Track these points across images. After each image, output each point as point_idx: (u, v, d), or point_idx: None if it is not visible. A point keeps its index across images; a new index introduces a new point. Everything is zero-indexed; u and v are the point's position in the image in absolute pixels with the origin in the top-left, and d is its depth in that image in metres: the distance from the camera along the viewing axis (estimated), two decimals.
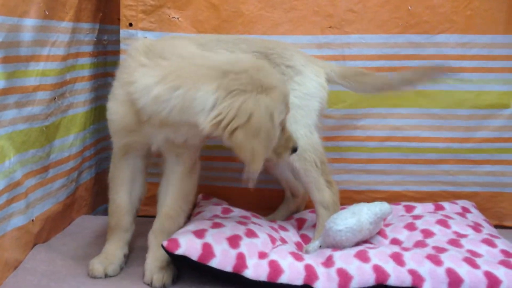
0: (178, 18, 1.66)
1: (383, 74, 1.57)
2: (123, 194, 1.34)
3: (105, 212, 1.81)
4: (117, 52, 1.69)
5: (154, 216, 1.70)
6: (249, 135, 1.05)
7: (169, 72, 1.11)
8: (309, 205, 1.66)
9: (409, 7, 1.61)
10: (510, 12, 1.60)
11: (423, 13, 1.62)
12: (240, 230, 1.26)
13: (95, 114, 1.73)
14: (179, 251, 1.16)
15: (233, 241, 1.21)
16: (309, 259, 1.21)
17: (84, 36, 1.64)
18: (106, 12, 1.76)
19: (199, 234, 1.21)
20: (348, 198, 1.62)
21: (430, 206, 1.58)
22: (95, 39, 1.70)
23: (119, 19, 1.67)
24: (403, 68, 1.62)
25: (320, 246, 1.32)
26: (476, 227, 1.40)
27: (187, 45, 1.27)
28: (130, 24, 1.66)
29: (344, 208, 1.39)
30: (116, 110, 1.22)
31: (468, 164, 1.68)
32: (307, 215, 1.60)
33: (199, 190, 1.69)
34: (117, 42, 1.68)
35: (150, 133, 1.21)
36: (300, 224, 1.55)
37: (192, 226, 1.26)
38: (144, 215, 1.74)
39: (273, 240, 1.30)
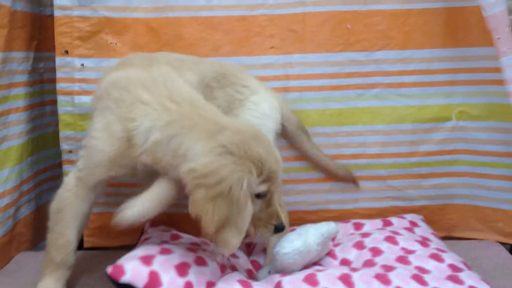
0: (116, 44, 1.64)
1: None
2: (74, 229, 1.29)
3: None
4: (54, 80, 1.65)
5: (100, 248, 1.70)
6: (209, 197, 1.06)
7: (176, 120, 1.13)
8: None
9: (348, 26, 1.64)
10: (447, 26, 1.65)
11: (361, 31, 1.65)
12: (190, 257, 1.24)
13: (33, 146, 1.68)
14: (123, 279, 1.13)
15: (182, 269, 1.18)
16: (258, 287, 1.20)
17: (18, 65, 1.59)
18: (41, 39, 1.72)
19: (146, 260, 1.18)
20: (299, 219, 1.63)
21: (378, 223, 1.59)
22: (30, 68, 1.66)
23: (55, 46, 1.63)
24: (346, 87, 1.66)
25: (269, 272, 1.32)
26: (424, 242, 1.42)
27: (188, 87, 1.25)
28: (66, 52, 1.62)
29: (292, 231, 1.39)
30: (111, 144, 1.19)
31: (415, 179, 1.71)
32: (259, 256, 1.57)
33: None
34: (55, 69, 1.64)
35: (137, 167, 1.21)
36: (249, 250, 1.54)
37: (139, 251, 1.23)
38: (90, 247, 1.71)
39: (222, 268, 1.28)
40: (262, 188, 1.14)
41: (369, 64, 1.66)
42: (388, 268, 1.24)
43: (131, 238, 1.63)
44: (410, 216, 1.64)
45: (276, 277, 1.24)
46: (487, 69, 1.63)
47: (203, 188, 1.07)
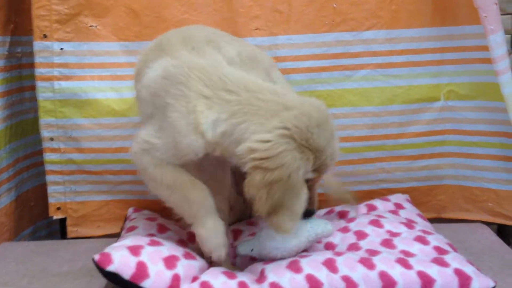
0: (96, 26, 1.62)
1: None
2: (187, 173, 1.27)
3: (30, 237, 1.76)
4: (33, 65, 1.63)
5: (84, 238, 1.69)
6: (266, 181, 1.08)
7: (237, 110, 1.14)
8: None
9: (334, 5, 1.63)
10: (435, 4, 1.65)
11: (348, 10, 1.64)
12: (179, 251, 1.23)
13: (11, 133, 1.67)
14: (110, 268, 1.12)
15: (170, 261, 1.18)
16: (242, 276, 1.20)
17: None
18: (18, 22, 1.69)
19: (135, 250, 1.17)
20: None
21: (363, 208, 1.59)
22: (7, 53, 1.64)
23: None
24: (333, 68, 1.66)
25: (252, 250, 1.32)
26: (409, 224, 1.43)
27: (238, 72, 1.24)
28: (44, 36, 1.60)
29: None
30: (189, 139, 1.18)
31: (403, 160, 1.72)
32: (244, 226, 1.58)
33: (131, 204, 1.69)
34: (33, 54, 1.61)
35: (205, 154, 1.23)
36: (236, 235, 1.54)
37: (128, 241, 1.23)
38: (75, 237, 1.71)
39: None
40: (311, 175, 1.17)
41: (357, 45, 1.66)
42: (373, 252, 1.25)
43: (115, 227, 1.64)
44: (395, 198, 1.65)
45: (260, 265, 1.24)
46: (474, 47, 1.63)
47: (262, 171, 1.08)
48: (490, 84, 1.61)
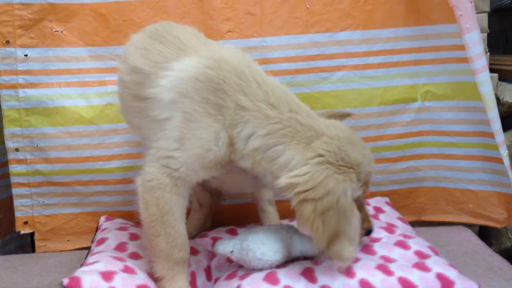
0: (62, 32, 1.60)
1: None
2: (184, 224, 1.24)
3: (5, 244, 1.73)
4: None
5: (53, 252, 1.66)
6: (318, 212, 1.09)
7: (277, 129, 1.15)
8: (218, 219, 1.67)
9: (308, 6, 1.64)
10: (410, 4, 1.66)
11: (322, 11, 1.64)
12: (152, 283, 1.21)
13: None
14: None
15: None
16: None
17: None
18: None
19: (107, 276, 1.15)
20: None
21: None
22: None
23: None
24: (309, 70, 1.65)
25: (231, 252, 1.30)
26: (390, 228, 1.43)
27: (278, 83, 1.24)
28: (7, 42, 1.57)
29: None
30: (218, 149, 1.18)
31: (383, 163, 1.73)
32: (223, 234, 1.58)
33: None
34: None
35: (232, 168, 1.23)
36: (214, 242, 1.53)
37: (100, 265, 1.20)
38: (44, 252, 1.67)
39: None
40: (359, 192, 1.19)
41: (333, 46, 1.66)
42: (354, 261, 1.24)
43: (85, 241, 1.61)
44: (374, 201, 1.66)
45: (235, 282, 1.22)
46: (451, 47, 1.65)
47: (310, 202, 1.09)
48: (467, 83, 1.63)
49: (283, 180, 1.12)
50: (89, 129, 1.63)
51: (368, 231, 1.26)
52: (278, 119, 1.15)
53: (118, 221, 1.58)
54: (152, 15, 1.61)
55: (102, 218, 1.61)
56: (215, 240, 1.54)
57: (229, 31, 1.63)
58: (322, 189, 1.09)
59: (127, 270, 1.21)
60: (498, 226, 1.71)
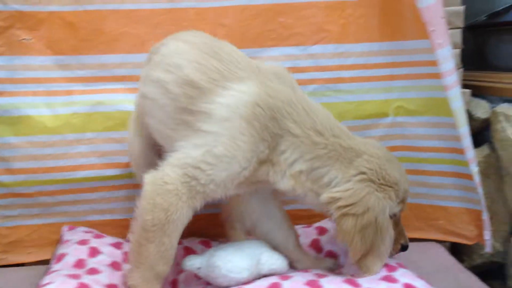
0: (29, 40, 1.58)
1: None
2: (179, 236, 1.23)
3: None
4: None
5: (15, 265, 1.62)
6: (358, 227, 1.16)
7: (322, 154, 1.21)
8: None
9: (281, 19, 1.64)
10: (384, 19, 1.67)
11: (295, 25, 1.65)
12: None
13: None
14: None
15: None
16: None
17: None
18: None
19: None
20: None
21: (312, 231, 1.59)
22: None
23: None
24: None
25: (199, 268, 1.29)
26: None
27: (322, 108, 1.30)
28: None
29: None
30: (253, 168, 1.21)
31: None
32: (196, 245, 1.56)
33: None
34: None
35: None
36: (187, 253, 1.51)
37: (53, 287, 1.17)
38: (4, 265, 1.64)
39: None
40: (397, 209, 1.25)
41: (306, 59, 1.67)
42: (321, 275, 1.24)
43: (48, 253, 1.57)
44: None
45: None
46: (423, 62, 1.66)
47: (351, 217, 1.16)
48: (439, 99, 1.64)
49: (326, 195, 1.19)
50: (53, 138, 1.60)
51: (403, 247, 1.31)
52: (324, 144, 1.21)
53: (80, 230, 1.56)
54: (122, 25, 1.61)
55: (64, 228, 1.58)
56: (187, 250, 1.53)
57: None
58: (363, 205, 1.16)
59: (82, 287, 1.18)
60: (469, 243, 1.71)
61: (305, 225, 1.65)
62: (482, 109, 1.77)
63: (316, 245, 1.54)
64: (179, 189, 1.16)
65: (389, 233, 1.23)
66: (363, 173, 1.20)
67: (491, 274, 1.74)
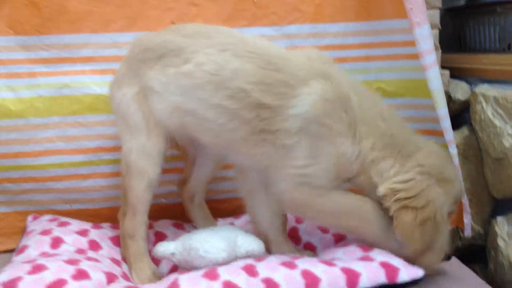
0: None
1: None
2: None
3: None
4: None
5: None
6: (417, 220, 1.14)
7: (388, 143, 1.22)
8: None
9: None
10: None
11: (269, 4, 1.62)
12: (67, 272, 1.14)
13: None
14: None
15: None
16: None
17: None
18: None
19: (10, 285, 1.08)
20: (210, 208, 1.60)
21: (291, 218, 1.56)
22: None
23: None
24: None
25: (172, 254, 1.25)
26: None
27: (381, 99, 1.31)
28: None
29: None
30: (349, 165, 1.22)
31: None
32: (169, 228, 1.54)
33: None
34: None
35: None
36: (158, 239, 1.48)
37: (4, 276, 1.12)
38: None
39: (110, 278, 1.21)
40: (452, 207, 1.24)
41: (280, 39, 1.64)
42: (296, 257, 1.23)
43: (17, 241, 1.51)
44: None
45: (173, 275, 1.18)
46: (401, 43, 1.64)
47: (411, 210, 1.14)
48: (417, 80, 1.62)
49: (385, 187, 1.18)
50: (18, 123, 1.54)
51: (448, 257, 1.27)
52: (390, 134, 1.22)
53: (45, 219, 1.52)
54: (86, 3, 1.55)
55: (29, 218, 1.54)
56: (158, 235, 1.49)
57: (171, 22, 1.59)
58: (423, 199, 1.15)
59: (34, 270, 1.14)
60: None
61: None
62: (462, 90, 1.76)
63: (294, 234, 1.52)
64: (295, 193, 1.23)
65: (447, 231, 1.22)
66: (422, 165, 1.19)
67: (473, 257, 1.73)
